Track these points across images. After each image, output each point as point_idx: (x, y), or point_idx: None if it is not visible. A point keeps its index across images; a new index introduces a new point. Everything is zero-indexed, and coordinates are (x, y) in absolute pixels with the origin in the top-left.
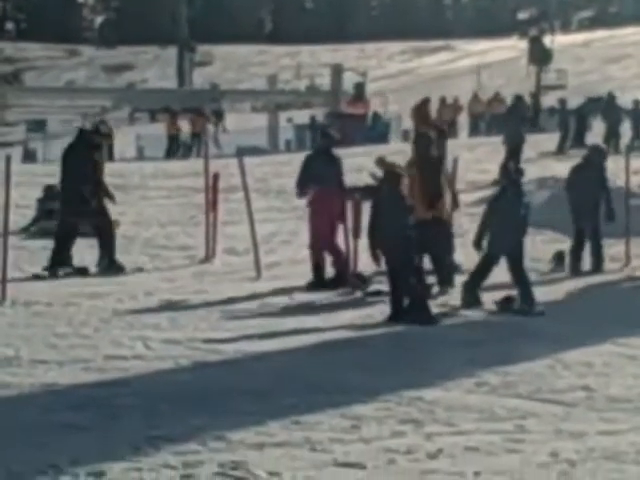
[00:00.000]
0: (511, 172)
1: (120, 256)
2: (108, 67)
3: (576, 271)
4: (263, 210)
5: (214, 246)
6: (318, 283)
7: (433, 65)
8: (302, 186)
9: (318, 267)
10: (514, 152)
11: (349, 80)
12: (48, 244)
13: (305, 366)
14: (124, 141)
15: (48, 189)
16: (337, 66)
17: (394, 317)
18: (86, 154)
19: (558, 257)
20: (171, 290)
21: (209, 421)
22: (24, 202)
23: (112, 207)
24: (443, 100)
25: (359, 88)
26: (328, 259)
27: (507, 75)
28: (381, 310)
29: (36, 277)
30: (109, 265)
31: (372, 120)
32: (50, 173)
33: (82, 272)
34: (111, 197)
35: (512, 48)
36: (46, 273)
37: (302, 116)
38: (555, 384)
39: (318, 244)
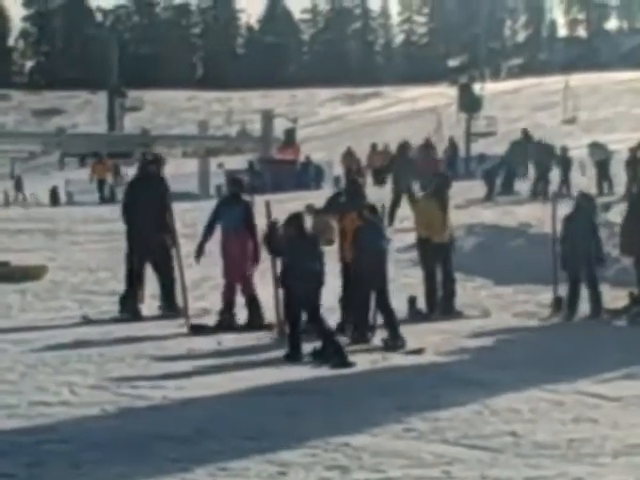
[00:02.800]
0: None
1: (48, 302)
2: (38, 111)
3: (571, 319)
4: (192, 255)
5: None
6: (229, 323)
7: (364, 112)
8: (208, 228)
9: (230, 306)
10: (398, 197)
11: (280, 126)
12: None
13: (232, 412)
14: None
15: None
16: (268, 112)
17: (292, 355)
18: (151, 190)
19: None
20: (99, 335)
21: (134, 468)
22: None
23: (41, 251)
24: (374, 147)
25: (290, 134)
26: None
27: (437, 122)
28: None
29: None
30: (168, 308)
31: (303, 166)
32: None
33: (138, 316)
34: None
35: (442, 95)
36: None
37: (233, 162)
38: (482, 430)
39: (230, 283)
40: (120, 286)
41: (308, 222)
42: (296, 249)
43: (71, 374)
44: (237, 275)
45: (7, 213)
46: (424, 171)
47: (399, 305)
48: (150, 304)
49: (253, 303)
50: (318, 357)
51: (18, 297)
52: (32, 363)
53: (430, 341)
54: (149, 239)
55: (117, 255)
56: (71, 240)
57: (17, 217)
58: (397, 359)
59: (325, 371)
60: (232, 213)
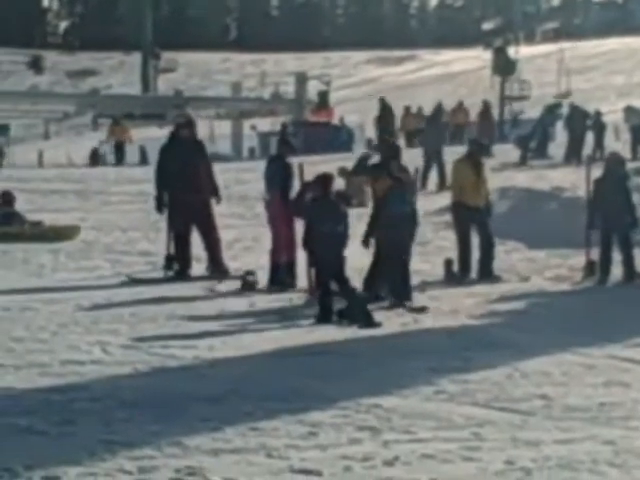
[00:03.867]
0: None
1: (80, 262)
2: (72, 72)
3: (604, 283)
4: (225, 216)
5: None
6: (277, 283)
7: (398, 74)
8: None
9: (277, 268)
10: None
11: (313, 88)
12: (8, 249)
13: (263, 373)
14: (87, 147)
15: (4, 194)
16: (301, 74)
17: (323, 317)
18: (185, 152)
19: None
20: (131, 295)
21: (165, 427)
22: None
23: (74, 212)
24: (407, 109)
25: (323, 96)
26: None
27: (471, 85)
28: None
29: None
30: (215, 268)
31: (336, 128)
32: (11, 178)
33: (186, 276)
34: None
35: (477, 58)
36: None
37: (266, 124)
38: (513, 392)
39: (280, 247)
40: (151, 246)
41: (341, 184)
42: (319, 210)
43: (103, 333)
44: (279, 236)
45: (41, 173)
46: (482, 134)
47: (435, 268)
48: (196, 265)
49: (289, 267)
50: (344, 317)
51: (51, 257)
52: (64, 322)
53: (462, 304)
54: (191, 201)
55: (149, 216)
56: (103, 200)
57: (51, 177)
58: (428, 322)
59: (356, 332)
60: (275, 174)
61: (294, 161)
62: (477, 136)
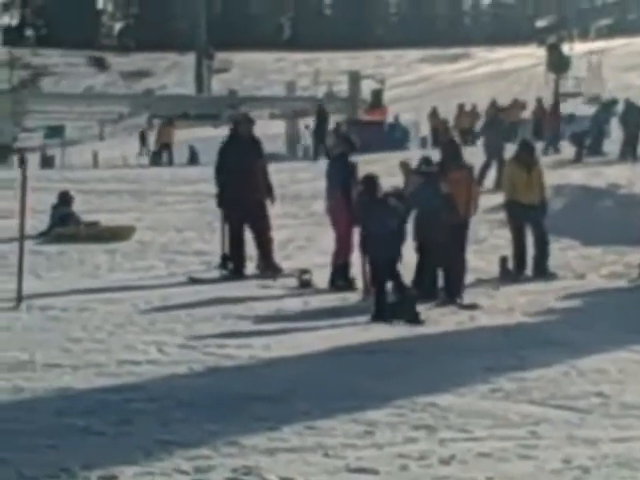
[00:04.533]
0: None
1: (136, 262)
2: (126, 73)
3: None
4: (279, 216)
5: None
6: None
7: (451, 72)
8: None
9: (346, 267)
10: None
11: (367, 87)
12: (64, 249)
13: (319, 372)
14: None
15: (63, 195)
16: (355, 73)
17: (378, 316)
18: (243, 149)
19: None
20: (187, 295)
21: (222, 426)
22: (40, 207)
23: (129, 212)
24: (461, 107)
25: (377, 95)
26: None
27: (525, 83)
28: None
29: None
30: (266, 267)
31: (390, 127)
32: (67, 179)
33: (240, 274)
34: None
35: (530, 56)
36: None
37: None
38: (569, 390)
39: (344, 248)
40: (206, 246)
41: (402, 179)
42: (370, 212)
43: (159, 333)
44: (340, 237)
45: (97, 174)
46: (550, 130)
47: (489, 265)
48: (249, 265)
49: (345, 267)
50: (392, 312)
51: (107, 257)
52: (120, 322)
53: (517, 302)
54: (246, 199)
55: (204, 216)
56: (159, 201)
57: (106, 178)
58: (484, 320)
59: (411, 331)
60: (339, 173)
61: (355, 159)
62: (547, 132)
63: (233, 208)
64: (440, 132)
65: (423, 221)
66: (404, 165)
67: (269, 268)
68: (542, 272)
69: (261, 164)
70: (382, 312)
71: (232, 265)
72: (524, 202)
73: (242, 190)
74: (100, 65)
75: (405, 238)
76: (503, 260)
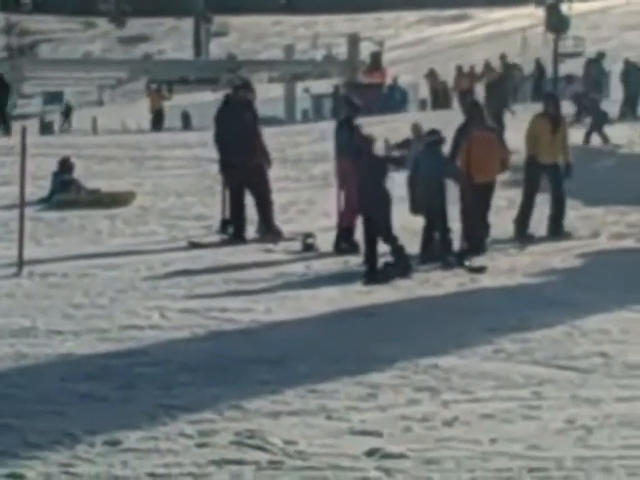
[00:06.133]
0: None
1: (137, 227)
2: (124, 39)
3: None
4: (280, 179)
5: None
6: (342, 247)
7: (450, 34)
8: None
9: (350, 231)
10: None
11: (366, 49)
12: (65, 216)
13: (321, 335)
14: (141, 112)
15: (64, 161)
16: (354, 35)
17: (370, 275)
18: (239, 114)
19: None
20: (188, 260)
21: (225, 390)
22: (40, 174)
23: (129, 178)
24: (460, 69)
25: (376, 57)
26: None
27: (524, 43)
28: (396, 281)
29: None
30: (266, 231)
31: (389, 89)
32: (67, 145)
33: (241, 239)
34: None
35: (529, 16)
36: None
37: (319, 86)
38: (572, 351)
39: (351, 211)
40: (206, 210)
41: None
42: (365, 172)
43: (161, 298)
44: (349, 200)
45: (95, 140)
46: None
47: (504, 225)
48: (248, 228)
49: (350, 231)
50: (387, 271)
51: (108, 223)
52: (122, 288)
53: (519, 262)
54: (245, 164)
55: (203, 180)
56: (158, 165)
57: (105, 143)
58: (485, 281)
59: (412, 293)
60: (344, 136)
61: (360, 122)
62: (583, 91)
63: (232, 172)
64: (439, 94)
65: (424, 188)
66: (415, 127)
67: (270, 232)
68: (558, 231)
69: (256, 128)
70: (372, 271)
71: (232, 229)
72: (543, 161)
73: (241, 154)
74: (117, 21)
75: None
76: (517, 220)
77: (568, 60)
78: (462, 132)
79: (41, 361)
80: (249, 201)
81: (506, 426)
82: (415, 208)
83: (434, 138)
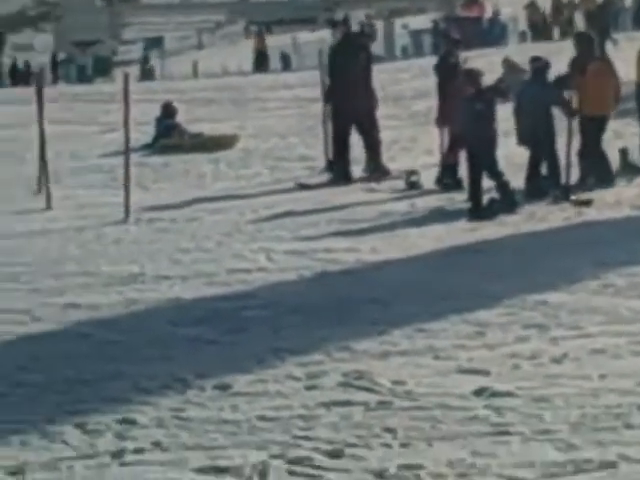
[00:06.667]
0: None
1: (240, 170)
2: None
3: None
4: (381, 117)
5: (349, 155)
6: (457, 183)
7: None
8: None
9: (454, 167)
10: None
11: None
12: (169, 160)
13: (427, 274)
14: (241, 55)
15: (166, 106)
16: None
17: (475, 211)
18: (354, 56)
19: None
20: (292, 201)
21: (332, 332)
22: (143, 119)
23: (231, 121)
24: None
25: None
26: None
27: None
28: (501, 217)
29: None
30: (374, 169)
31: (489, 22)
32: (168, 90)
33: (348, 178)
34: (375, 99)
35: None
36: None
37: (417, 22)
38: None
39: (456, 147)
40: (309, 151)
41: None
42: (471, 110)
43: (266, 241)
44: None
45: (197, 84)
46: None
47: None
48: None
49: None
50: (493, 207)
51: (211, 166)
52: (227, 231)
53: (626, 195)
54: (355, 103)
55: (305, 121)
56: (260, 107)
57: (206, 87)
58: (591, 215)
59: (518, 228)
60: (445, 71)
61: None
62: None
63: (343, 113)
64: (539, 26)
65: (531, 117)
66: (507, 61)
67: (378, 170)
68: None
69: (370, 70)
70: (477, 206)
71: (337, 169)
72: None
73: (353, 97)
74: None
75: (494, 129)
76: (623, 152)
77: None
78: (575, 65)
79: (150, 306)
80: (354, 140)
81: (616, 362)
82: (522, 139)
83: (539, 64)
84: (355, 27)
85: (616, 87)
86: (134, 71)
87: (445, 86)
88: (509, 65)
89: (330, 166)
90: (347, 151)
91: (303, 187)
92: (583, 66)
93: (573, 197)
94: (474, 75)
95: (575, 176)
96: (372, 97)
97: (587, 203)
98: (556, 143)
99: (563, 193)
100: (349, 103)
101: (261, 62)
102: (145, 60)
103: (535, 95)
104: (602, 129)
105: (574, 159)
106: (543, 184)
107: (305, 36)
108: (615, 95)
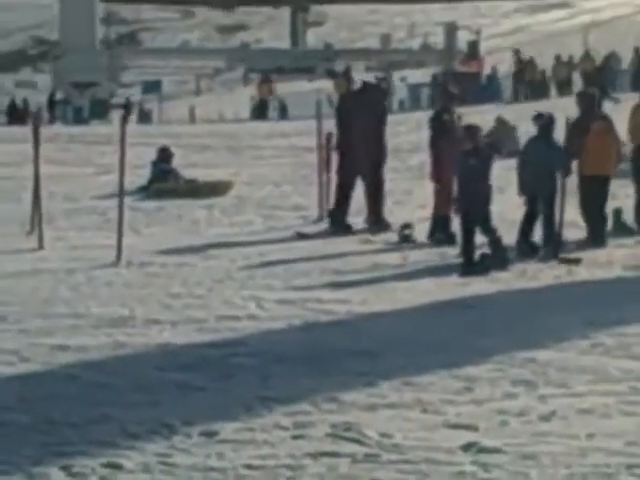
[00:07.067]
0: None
1: (234, 217)
2: (222, 28)
3: None
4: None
5: (327, 206)
6: (450, 238)
7: (548, 22)
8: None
9: (446, 221)
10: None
11: (463, 38)
12: (163, 205)
13: (416, 327)
14: (238, 102)
15: (162, 150)
16: (451, 24)
17: (467, 266)
18: (369, 108)
19: None
20: (283, 250)
21: (321, 382)
22: (139, 162)
23: (226, 167)
24: (558, 58)
25: (473, 46)
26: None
27: (622, 32)
28: (493, 273)
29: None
30: (376, 223)
31: (488, 78)
32: (165, 134)
33: (348, 229)
34: (385, 154)
35: (627, 4)
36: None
37: (415, 75)
38: None
39: (446, 200)
40: (303, 200)
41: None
42: (469, 163)
43: (258, 289)
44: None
45: (194, 129)
46: None
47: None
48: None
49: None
50: (484, 263)
51: (205, 212)
52: (219, 278)
53: (617, 255)
54: (365, 155)
55: (300, 169)
56: (255, 155)
57: (203, 133)
58: (582, 274)
59: (509, 286)
60: (440, 126)
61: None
62: None
63: (349, 161)
64: (537, 83)
65: (533, 173)
66: (499, 120)
67: (378, 223)
68: None
69: (383, 121)
70: (469, 263)
71: (335, 219)
72: None
73: (362, 146)
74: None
75: (489, 185)
76: (617, 212)
77: None
78: (578, 125)
79: (139, 351)
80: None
81: (604, 421)
82: (524, 190)
83: (544, 121)
84: (371, 79)
85: (617, 147)
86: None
87: (438, 140)
88: (500, 121)
89: (333, 216)
90: (347, 202)
91: (301, 236)
92: (586, 125)
93: (562, 255)
94: (473, 130)
95: (572, 235)
96: (382, 151)
97: (576, 262)
98: (555, 201)
99: (553, 250)
100: (358, 154)
101: (262, 110)
102: (126, 107)
103: (539, 151)
104: (606, 189)
105: (575, 218)
106: (540, 241)
107: (303, 85)
108: (617, 155)
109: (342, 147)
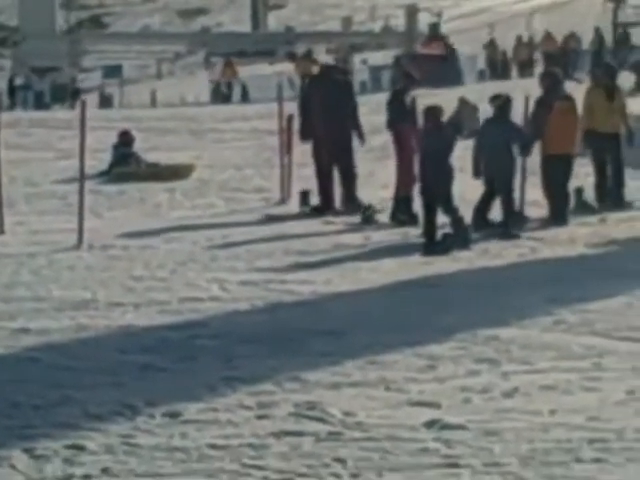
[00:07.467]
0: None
1: (196, 200)
2: (182, 12)
3: None
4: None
5: (289, 188)
6: (412, 218)
7: (510, 4)
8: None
9: (408, 201)
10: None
11: (424, 20)
12: (124, 189)
13: (380, 306)
14: (199, 86)
15: (123, 134)
16: (412, 6)
17: (429, 246)
18: (337, 91)
19: None
20: (246, 232)
21: (284, 362)
22: (100, 147)
23: (188, 150)
24: (519, 39)
25: (434, 28)
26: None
27: (582, 12)
28: (455, 252)
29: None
30: (351, 203)
31: (447, 60)
32: (126, 118)
33: (318, 210)
34: (362, 137)
35: None
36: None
37: (376, 58)
38: (633, 322)
39: (407, 180)
40: (265, 183)
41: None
42: (431, 143)
43: (220, 270)
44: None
45: (155, 113)
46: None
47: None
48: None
49: (407, 201)
50: (446, 242)
51: (167, 196)
52: (181, 260)
53: (579, 233)
54: (336, 137)
55: (262, 152)
56: (216, 138)
57: (164, 116)
58: (545, 252)
59: (471, 264)
60: (399, 106)
61: (417, 94)
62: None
63: (323, 146)
64: (498, 64)
65: (490, 155)
66: (462, 101)
67: (352, 203)
68: (618, 201)
69: (352, 106)
70: (431, 241)
71: (320, 201)
72: (601, 131)
73: (332, 129)
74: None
75: (451, 165)
76: (578, 191)
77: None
78: (541, 104)
79: (101, 333)
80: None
81: (566, 397)
82: (479, 173)
83: (500, 102)
84: (328, 61)
85: (580, 126)
86: (93, 98)
87: (395, 122)
88: (463, 102)
89: (304, 198)
90: (331, 184)
91: (272, 219)
92: (549, 104)
93: (521, 234)
94: (435, 111)
95: (533, 214)
96: (349, 132)
97: (514, 237)
98: (514, 181)
99: (513, 227)
100: (329, 137)
101: (227, 93)
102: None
103: (497, 132)
104: (569, 168)
105: (537, 198)
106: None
107: (264, 68)
108: (580, 134)
109: (307, 131)
